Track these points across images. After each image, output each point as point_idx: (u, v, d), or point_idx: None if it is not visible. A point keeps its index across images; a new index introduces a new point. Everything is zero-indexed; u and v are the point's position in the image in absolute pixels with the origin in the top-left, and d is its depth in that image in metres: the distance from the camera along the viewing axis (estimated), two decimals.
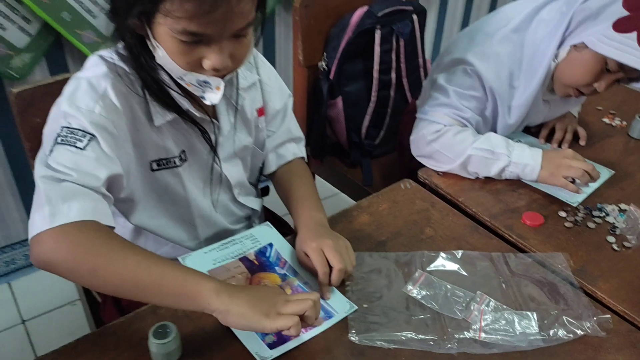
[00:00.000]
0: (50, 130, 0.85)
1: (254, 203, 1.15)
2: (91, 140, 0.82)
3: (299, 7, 1.43)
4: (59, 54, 1.65)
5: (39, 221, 0.76)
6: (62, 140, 0.81)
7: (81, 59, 1.64)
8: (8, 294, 1.86)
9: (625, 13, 1.03)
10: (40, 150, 0.85)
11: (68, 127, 0.82)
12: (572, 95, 1.20)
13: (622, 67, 1.09)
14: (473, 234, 1.06)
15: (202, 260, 0.95)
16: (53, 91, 0.95)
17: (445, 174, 1.22)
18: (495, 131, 1.25)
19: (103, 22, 1.61)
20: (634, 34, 1.02)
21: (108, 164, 0.83)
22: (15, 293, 1.87)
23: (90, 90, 0.85)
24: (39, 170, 0.80)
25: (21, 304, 1.83)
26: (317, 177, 1.73)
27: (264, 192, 1.26)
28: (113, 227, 0.81)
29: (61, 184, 0.78)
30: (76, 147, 0.80)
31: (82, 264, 0.76)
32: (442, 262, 0.99)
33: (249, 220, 1.18)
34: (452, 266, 0.98)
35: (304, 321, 0.78)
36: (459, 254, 1.00)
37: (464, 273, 0.97)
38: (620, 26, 1.03)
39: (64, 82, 0.91)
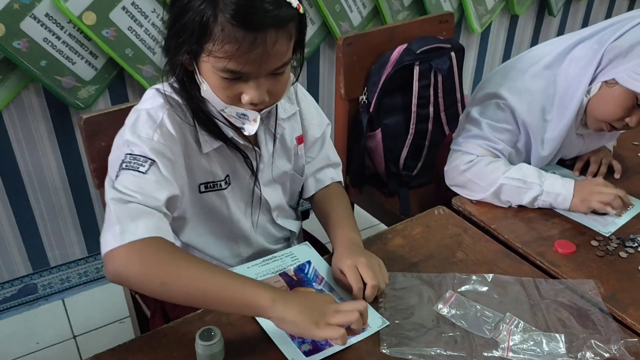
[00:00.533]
0: (115, 157, 0.95)
1: (292, 225, 1.22)
2: (152, 165, 0.91)
3: (342, 44, 1.52)
4: (121, 86, 1.79)
5: (111, 239, 0.85)
6: (127, 165, 0.90)
7: (140, 91, 1.78)
8: (61, 310, 1.98)
9: None
10: (107, 175, 0.94)
11: (131, 154, 0.92)
12: (605, 129, 1.23)
13: None
14: (504, 259, 1.10)
15: (245, 274, 1.01)
16: (117, 117, 1.06)
17: (478, 202, 1.26)
18: (528, 163, 1.29)
19: (161, 58, 1.75)
20: None
21: (167, 186, 0.92)
22: (68, 309, 1.98)
23: (149, 120, 0.95)
24: (109, 193, 0.90)
25: (73, 320, 1.94)
26: (355, 206, 1.80)
27: (305, 215, 1.32)
28: (173, 244, 0.89)
29: (128, 205, 0.87)
30: (139, 171, 0.90)
31: (151, 277, 0.85)
32: (473, 284, 1.02)
33: (288, 241, 1.25)
34: (482, 288, 1.02)
35: (350, 331, 0.84)
36: (490, 277, 1.04)
37: (495, 295, 1.00)
38: None
39: (127, 109, 1.02)
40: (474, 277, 1.03)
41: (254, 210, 1.12)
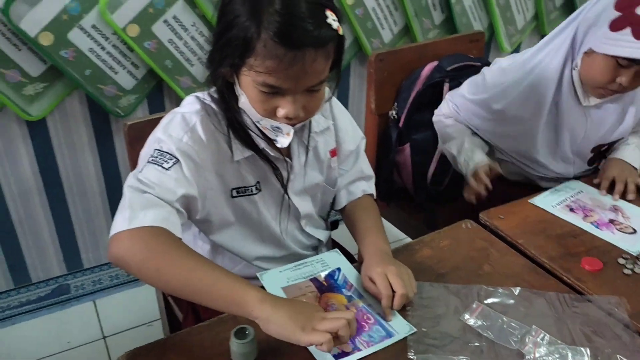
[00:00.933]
0: (145, 152, 1.01)
1: (321, 235, 1.25)
2: (176, 163, 0.96)
3: (374, 60, 1.56)
4: (159, 96, 1.86)
5: (119, 222, 0.90)
6: (153, 160, 0.96)
7: (177, 101, 1.85)
8: (92, 311, 2.03)
9: (618, 14, 1.17)
10: (136, 168, 1.00)
11: (159, 150, 0.97)
12: (605, 94, 1.31)
13: (633, 60, 1.19)
14: (531, 273, 1.11)
15: (278, 277, 1.06)
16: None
17: (506, 218, 1.28)
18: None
19: (199, 70, 1.82)
20: (628, 30, 1.15)
21: (186, 185, 0.96)
22: (99, 311, 2.04)
23: (183, 122, 1.01)
24: (129, 181, 0.96)
25: (103, 321, 1.99)
26: (383, 220, 1.82)
27: (334, 225, 1.36)
28: (180, 238, 0.93)
29: (143, 194, 0.92)
30: (162, 167, 0.95)
31: (149, 263, 0.89)
32: (500, 297, 1.04)
33: (316, 250, 1.28)
34: (509, 301, 1.03)
35: (337, 339, 0.84)
36: (517, 290, 1.05)
37: (521, 308, 1.02)
38: (616, 26, 1.18)
39: None
40: (500, 290, 1.05)
41: (282, 217, 1.16)
